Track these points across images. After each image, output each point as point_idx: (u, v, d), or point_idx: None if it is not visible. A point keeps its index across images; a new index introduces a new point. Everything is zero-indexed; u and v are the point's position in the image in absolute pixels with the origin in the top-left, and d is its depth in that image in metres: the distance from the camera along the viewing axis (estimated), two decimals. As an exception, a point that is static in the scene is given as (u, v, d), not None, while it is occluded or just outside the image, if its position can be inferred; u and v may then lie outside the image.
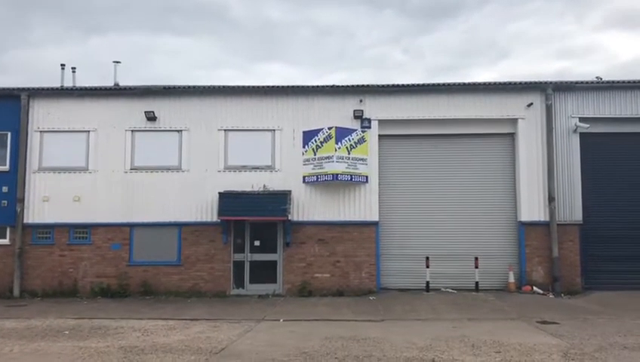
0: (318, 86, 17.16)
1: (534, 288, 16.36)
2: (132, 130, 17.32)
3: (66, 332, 11.12)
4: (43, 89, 17.44)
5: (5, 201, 17.06)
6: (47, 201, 17.07)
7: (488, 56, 60.40)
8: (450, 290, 16.59)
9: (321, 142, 16.64)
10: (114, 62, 19.92)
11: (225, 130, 17.22)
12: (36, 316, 13.23)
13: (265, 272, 16.91)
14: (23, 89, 17.30)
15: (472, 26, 63.00)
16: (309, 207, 16.88)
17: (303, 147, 16.97)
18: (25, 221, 17.00)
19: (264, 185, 16.88)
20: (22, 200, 16.99)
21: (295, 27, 65.68)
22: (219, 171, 17.07)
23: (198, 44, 61.06)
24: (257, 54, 61.31)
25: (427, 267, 16.52)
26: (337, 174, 16.28)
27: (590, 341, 10.09)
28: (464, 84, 17.07)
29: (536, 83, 17.07)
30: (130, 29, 61.07)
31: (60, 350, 9.42)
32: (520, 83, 17.08)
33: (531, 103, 16.95)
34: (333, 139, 16.41)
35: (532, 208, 16.70)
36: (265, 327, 11.77)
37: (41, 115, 17.42)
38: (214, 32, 64.67)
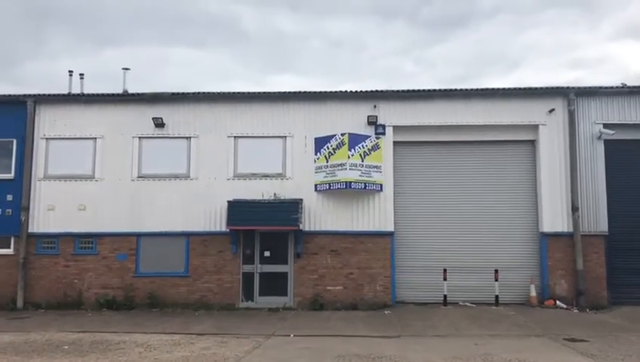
0: (330, 91, 16.59)
1: (557, 302, 15.57)
2: (140, 137, 16.85)
3: (65, 347, 10.57)
4: (49, 95, 17.06)
5: (10, 210, 16.63)
6: (53, 210, 16.62)
7: (500, 66, 59.66)
8: (469, 304, 15.85)
9: (333, 149, 16.05)
10: (123, 69, 19.46)
11: (234, 137, 16.70)
12: (37, 329, 12.70)
13: (275, 284, 16.29)
14: (29, 95, 16.92)
15: (483, 37, 62.38)
16: (321, 217, 16.27)
17: (315, 154, 16.39)
18: (29, 230, 16.55)
19: (275, 194, 16.30)
20: (26, 209, 16.55)
21: (306, 39, 65.45)
22: (228, 179, 16.53)
23: (210, 56, 60.99)
24: (269, 66, 61.10)
25: (445, 280, 15.80)
26: (350, 182, 15.66)
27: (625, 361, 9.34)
28: (482, 89, 16.43)
29: (558, 88, 16.38)
30: (144, 40, 61.18)
31: (55, 368, 8.86)
32: (541, 88, 16.40)
33: (553, 109, 16.26)
34: (346, 146, 15.81)
35: (555, 218, 15.95)
36: (274, 343, 11.13)
37: (48, 122, 17.02)
38: (226, 44, 64.63)
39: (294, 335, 12.01)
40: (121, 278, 16.37)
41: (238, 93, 16.67)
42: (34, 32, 58.75)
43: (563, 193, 15.99)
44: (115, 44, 60.61)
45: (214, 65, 60.25)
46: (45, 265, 16.52)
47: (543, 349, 10.40)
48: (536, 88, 16.40)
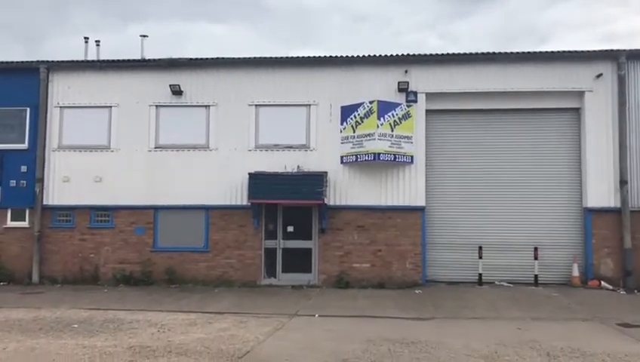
0: (357, 56, 15.46)
1: (602, 283, 14.44)
2: (157, 106, 16.01)
3: (75, 325, 9.87)
4: (63, 62, 16.28)
5: (24, 182, 16.03)
6: (68, 182, 15.97)
7: (527, 41, 57.10)
8: (506, 284, 14.81)
9: (361, 118, 14.99)
10: (141, 36, 18.69)
11: (256, 106, 15.74)
12: (48, 305, 12.08)
13: (298, 261, 15.45)
14: (42, 62, 16.16)
15: (511, 10, 59.85)
16: (348, 190, 15.29)
17: (341, 124, 15.35)
18: (44, 202, 15.95)
19: (298, 166, 15.35)
20: (41, 181, 15.93)
21: (329, 13, 63.71)
22: (249, 150, 15.63)
23: (232, 31, 59.85)
24: (291, 41, 59.68)
25: (480, 258, 14.77)
26: (379, 153, 14.61)
27: (694, 351, 8.25)
28: (523, 52, 15.11)
29: (607, 51, 15.00)
30: (167, 16, 60.28)
31: (58, 349, 8.12)
32: (588, 51, 15.03)
33: (601, 74, 14.90)
34: (375, 115, 14.73)
35: (601, 193, 14.72)
36: (298, 324, 10.29)
37: (61, 90, 16.28)
38: (248, 19, 63.34)
39: (319, 316, 11.17)
40: (139, 253, 15.70)
41: (260, 58, 15.65)
42: (58, 9, 58.25)
43: (610, 165, 14.73)
44: (139, 19, 59.85)
45: (236, 41, 59.11)
46: (61, 239, 15.94)
47: (596, 335, 9.35)
48: (582, 51, 15.03)
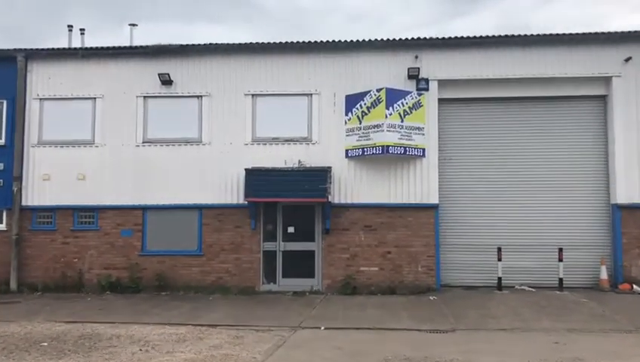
0: (363, 40, 14.14)
1: (635, 287, 13.16)
2: (144, 97, 14.69)
3: (44, 344, 8.56)
4: (42, 50, 14.94)
5: (1, 180, 14.70)
6: (48, 180, 14.65)
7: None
8: (527, 288, 13.53)
9: (368, 108, 13.69)
10: (130, 25, 17.42)
11: (252, 95, 14.43)
12: (21, 318, 10.77)
13: (300, 264, 14.15)
14: (19, 50, 14.82)
15: (507, 8, 58.48)
16: (353, 187, 14.00)
17: (346, 114, 14.05)
18: (23, 203, 14.62)
19: (299, 161, 14.04)
20: (19, 179, 14.60)
21: (325, 14, 62.41)
22: (246, 144, 14.32)
23: (231, 31, 58.55)
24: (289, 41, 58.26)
25: (499, 260, 13.46)
26: (388, 146, 13.30)
27: None
28: (545, 35, 13.82)
29: (636, 32, 13.70)
30: (166, 17, 58.92)
31: (16, 378, 6.84)
32: (615, 33, 13.75)
33: (630, 58, 13.62)
34: (384, 104, 13.42)
35: (631, 187, 13.45)
36: (302, 339, 9.00)
37: (41, 80, 14.94)
38: (247, 20, 62.02)
39: (325, 328, 9.88)
40: (126, 257, 14.40)
41: (257, 43, 14.33)
42: (55, 12, 56.79)
43: (641, 158, 13.46)
44: (136, 21, 58.40)
45: (235, 41, 57.70)
46: (41, 243, 14.62)
47: (648, 352, 8.08)
48: (609, 33, 13.75)
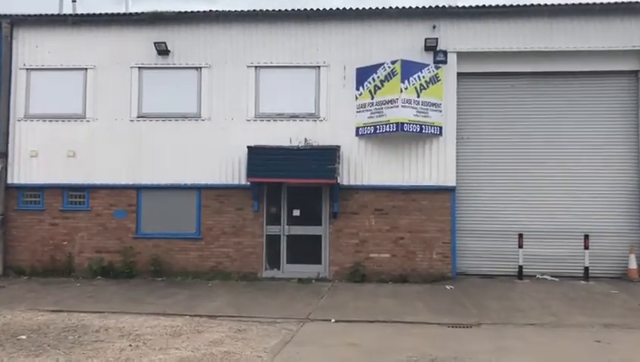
0: (377, 8, 13.07)
1: (666, 277, 12.24)
2: (139, 67, 13.62)
3: (23, 337, 7.61)
4: (29, 16, 13.82)
5: (-16, 157, 13.69)
6: (36, 157, 13.64)
7: None
8: (549, 278, 12.62)
9: (381, 82, 12.64)
10: (125, -7, 16.27)
11: (255, 68, 13.37)
12: (3, 306, 9.80)
13: (306, 250, 13.22)
14: (4, 16, 13.74)
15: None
16: (364, 168, 13.01)
17: (357, 89, 13.00)
18: (8, 181, 13.64)
19: (305, 139, 13.04)
20: (4, 156, 13.61)
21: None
22: (248, 120, 13.29)
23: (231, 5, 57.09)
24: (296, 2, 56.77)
25: (520, 247, 12.53)
26: (403, 123, 12.28)
27: None
28: (573, 4, 12.73)
29: (674, 1, 12.62)
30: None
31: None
32: (650, 2, 12.66)
33: (665, 30, 12.56)
34: (399, 77, 12.37)
35: (664, 171, 12.47)
36: (311, 334, 8.06)
37: (28, 49, 13.86)
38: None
39: (336, 321, 8.94)
40: (119, 240, 13.44)
41: (260, 11, 13.23)
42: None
43: (675, 139, 12.47)
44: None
45: (237, 5, 56.12)
46: (28, 223, 13.65)
47: None
48: (644, 2, 12.66)
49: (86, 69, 13.72)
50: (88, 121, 13.65)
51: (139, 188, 13.50)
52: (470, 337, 7.93)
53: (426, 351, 7.06)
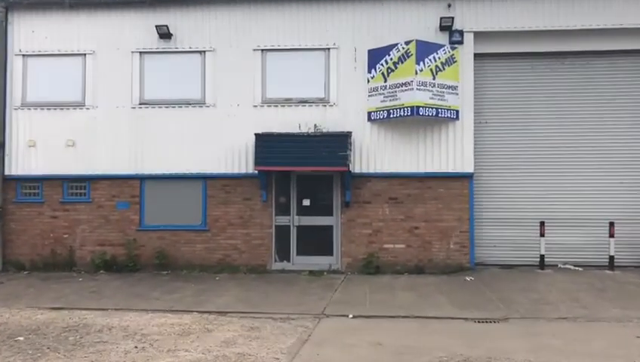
0: (389, -14, 12.42)
1: (696, 266, 11.67)
2: (141, 52, 13.01)
3: (20, 338, 7.08)
4: (24, 0, 13.19)
5: (-20, 147, 13.13)
6: (34, 147, 13.07)
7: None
8: (572, 267, 12.06)
9: (394, 64, 12.01)
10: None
11: (262, 51, 12.74)
12: (0, 303, 9.28)
13: (317, 241, 12.67)
14: (-2, -1, 13.11)
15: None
16: (377, 154, 12.42)
17: (369, 71, 12.39)
18: (6, 172, 13.09)
19: (315, 125, 12.44)
20: (1, 146, 13.04)
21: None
22: (255, 106, 12.69)
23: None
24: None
25: (542, 235, 11.96)
26: (418, 107, 11.67)
27: None
28: (598, -22, 12.06)
29: None
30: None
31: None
32: (681, -24, 11.98)
33: (697, 5, 11.89)
34: (413, 58, 11.75)
35: (693, 154, 11.86)
36: (329, 331, 7.52)
37: (24, 35, 13.25)
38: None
39: (354, 316, 8.41)
40: (122, 232, 12.91)
41: (267, -9, 12.60)
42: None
43: None
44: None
45: None
46: (28, 216, 13.12)
47: None
48: (674, -23, 11.99)
49: (85, 54, 13.11)
50: (88, 108, 13.06)
51: (142, 179, 12.94)
52: (501, 333, 7.39)
53: (457, 350, 6.51)
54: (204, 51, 12.85)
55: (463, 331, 7.52)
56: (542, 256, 11.93)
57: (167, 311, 8.72)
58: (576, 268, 11.95)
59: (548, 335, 7.24)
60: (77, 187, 13.10)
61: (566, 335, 7.23)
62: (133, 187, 12.96)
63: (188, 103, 12.84)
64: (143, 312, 8.66)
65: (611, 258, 11.82)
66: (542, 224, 11.95)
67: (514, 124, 12.53)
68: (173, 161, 12.75)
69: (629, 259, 12.08)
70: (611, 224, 11.84)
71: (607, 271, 11.65)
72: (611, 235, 11.83)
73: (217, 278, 11.76)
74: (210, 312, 8.65)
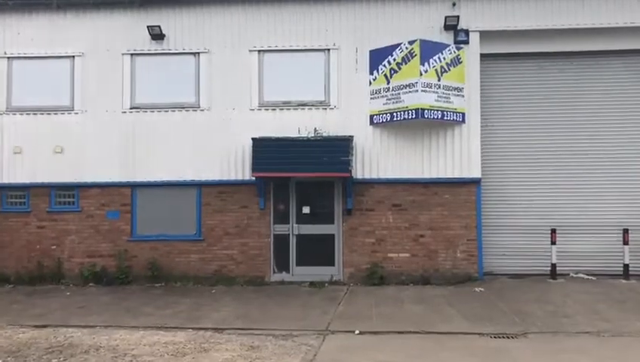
0: (391, -15, 11.93)
1: None
2: (132, 54, 12.44)
3: (-2, 362, 6.47)
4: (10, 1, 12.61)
5: (-36, 154, 12.50)
6: (20, 153, 12.45)
7: None
8: (585, 276, 11.53)
9: (397, 64, 11.50)
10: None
11: (259, 52, 12.21)
12: (-20, 321, 8.66)
13: (318, 250, 12.08)
14: (-18, -1, 12.52)
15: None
16: (380, 159, 11.89)
17: (371, 73, 11.87)
18: (-9, 181, 12.46)
19: (315, 129, 11.91)
20: (-15, 153, 12.42)
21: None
22: (252, 110, 12.14)
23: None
24: None
25: (553, 243, 11.42)
26: (423, 110, 11.15)
27: None
28: (608, -24, 11.61)
29: None
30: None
31: None
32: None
33: None
34: (418, 58, 11.24)
35: None
36: (336, 351, 6.93)
37: (9, 36, 12.65)
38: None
39: (361, 332, 7.83)
40: (113, 243, 12.29)
41: (264, -11, 12.08)
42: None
43: None
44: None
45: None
46: (13, 227, 12.48)
47: None
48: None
49: (73, 56, 12.53)
50: (77, 113, 12.47)
51: (133, 186, 12.34)
52: (521, 351, 6.83)
53: (477, 371, 5.94)
54: (199, 53, 12.30)
55: (480, 348, 6.97)
56: (553, 265, 11.40)
57: (160, 328, 8.11)
58: (589, 277, 11.42)
59: (573, 352, 6.69)
60: (65, 196, 12.49)
61: (593, 352, 6.69)
62: (124, 195, 12.35)
63: (182, 107, 12.28)
64: (133, 330, 8.05)
65: (626, 266, 11.31)
66: (553, 231, 11.42)
67: (522, 128, 12.04)
68: (166, 167, 12.16)
69: (644, 267, 11.55)
70: (625, 231, 11.33)
71: (623, 281, 11.13)
72: (625, 243, 11.32)
73: (213, 291, 11.16)
74: (206, 329, 8.05)
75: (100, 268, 12.11)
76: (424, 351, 6.83)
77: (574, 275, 11.59)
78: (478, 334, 7.66)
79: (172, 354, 6.70)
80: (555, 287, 10.65)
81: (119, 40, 12.44)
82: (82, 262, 12.25)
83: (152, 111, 12.31)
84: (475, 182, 11.69)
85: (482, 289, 10.65)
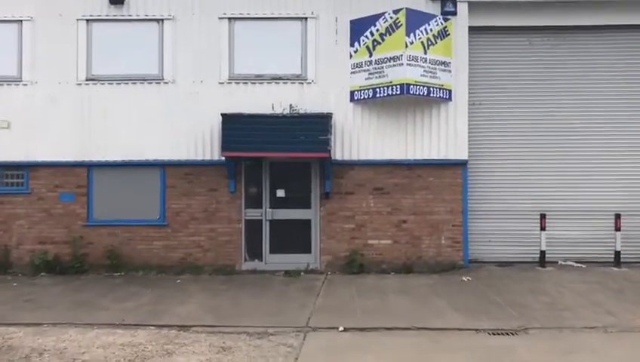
0: (374, -51, 10.97)
1: None
2: (88, 20, 11.22)
3: None
4: (-52, -45, 11.22)
5: None
6: (-39, 129, 11.16)
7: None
8: (574, 264, 10.96)
9: (381, 35, 10.60)
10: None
11: (229, 19, 11.14)
12: None
13: (293, 237, 11.23)
14: None
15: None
16: (360, 139, 11.03)
17: (352, 45, 10.95)
18: None
19: (291, 105, 10.95)
20: None
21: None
22: (221, 83, 11.11)
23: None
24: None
25: (542, 229, 10.79)
26: (409, 85, 10.30)
27: None
28: (606, -58, 10.90)
29: None
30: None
31: None
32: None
33: None
34: (403, 29, 10.35)
35: None
36: (320, 352, 6.11)
37: (-53, -3, 11.28)
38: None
39: (345, 329, 7.00)
40: (67, 229, 11.16)
41: (235, -50, 10.98)
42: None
43: None
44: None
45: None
46: (-46, 210, 11.22)
47: None
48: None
49: (21, 20, 11.23)
50: (25, 85, 11.21)
51: (89, 166, 11.20)
52: (525, 349, 6.13)
53: (484, 376, 5.18)
54: (162, 19, 11.16)
55: (480, 347, 6.24)
56: (542, 253, 10.77)
57: (118, 326, 7.13)
58: (579, 265, 10.87)
59: (584, 351, 6.02)
60: (13, 176, 11.27)
61: (606, 352, 6.03)
62: (79, 176, 11.20)
63: (143, 79, 11.15)
64: (87, 328, 7.06)
65: (617, 253, 10.78)
66: (543, 217, 10.78)
67: (512, 107, 11.31)
68: (126, 146, 11.05)
69: (636, 254, 11.04)
70: (617, 216, 10.77)
71: (614, 269, 10.59)
72: (617, 229, 10.77)
73: (178, 281, 10.20)
74: (170, 326, 7.11)
75: (53, 255, 10.98)
76: (420, 353, 6.07)
77: (563, 263, 11.03)
78: (475, 330, 6.95)
79: (129, 360, 5.75)
80: (546, 276, 10.02)
81: (74, 4, 11.19)
82: (32, 249, 11.09)
83: (111, 84, 11.15)
84: (462, 164, 10.96)
85: (470, 278, 9.95)
